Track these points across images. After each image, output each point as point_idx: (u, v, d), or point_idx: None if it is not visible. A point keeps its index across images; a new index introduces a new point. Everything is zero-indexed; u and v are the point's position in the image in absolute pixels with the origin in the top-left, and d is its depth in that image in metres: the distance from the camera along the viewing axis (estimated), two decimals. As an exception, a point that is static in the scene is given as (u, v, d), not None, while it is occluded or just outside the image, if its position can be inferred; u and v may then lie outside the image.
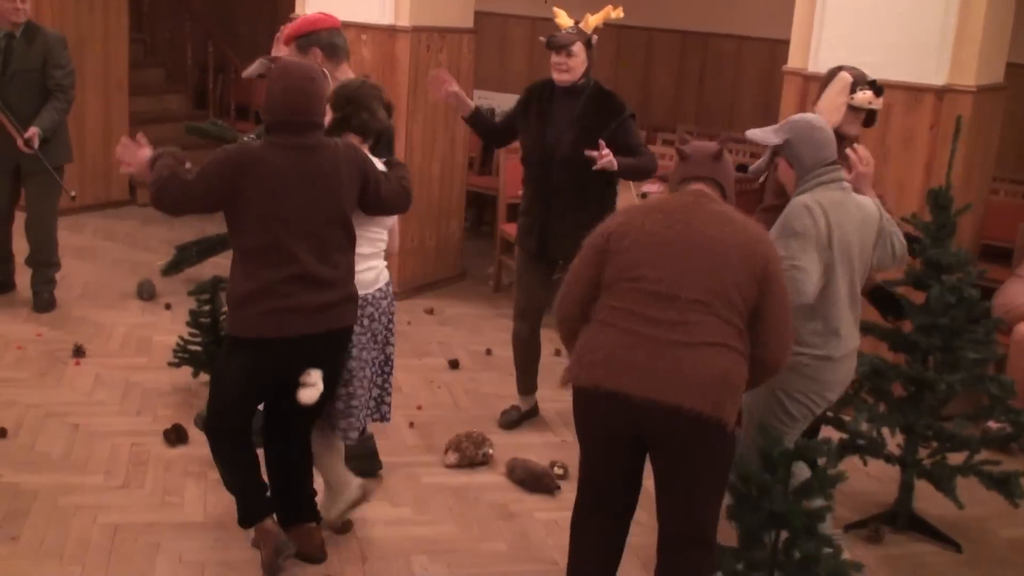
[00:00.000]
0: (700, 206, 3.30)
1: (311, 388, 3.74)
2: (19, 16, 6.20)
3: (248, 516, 3.96)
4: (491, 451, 4.92)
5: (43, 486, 4.39)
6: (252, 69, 3.83)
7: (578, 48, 5.03)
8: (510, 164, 7.40)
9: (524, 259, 5.26)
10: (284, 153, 3.67)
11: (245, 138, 6.93)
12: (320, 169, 3.71)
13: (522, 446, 5.07)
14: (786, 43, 5.87)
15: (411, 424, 5.28)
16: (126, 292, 6.90)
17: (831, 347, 3.72)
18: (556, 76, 5.06)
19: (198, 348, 5.40)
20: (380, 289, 4.11)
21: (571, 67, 5.02)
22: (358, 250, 3.91)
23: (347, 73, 4.65)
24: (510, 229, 7.15)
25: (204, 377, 5.47)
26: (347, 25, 6.79)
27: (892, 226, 3.87)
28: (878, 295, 4.38)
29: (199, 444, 4.85)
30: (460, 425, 5.17)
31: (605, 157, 4.76)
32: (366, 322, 4.04)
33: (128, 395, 5.37)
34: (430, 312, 6.98)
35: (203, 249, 7.10)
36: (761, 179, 4.32)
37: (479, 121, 5.39)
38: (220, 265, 7.17)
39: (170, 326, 6.27)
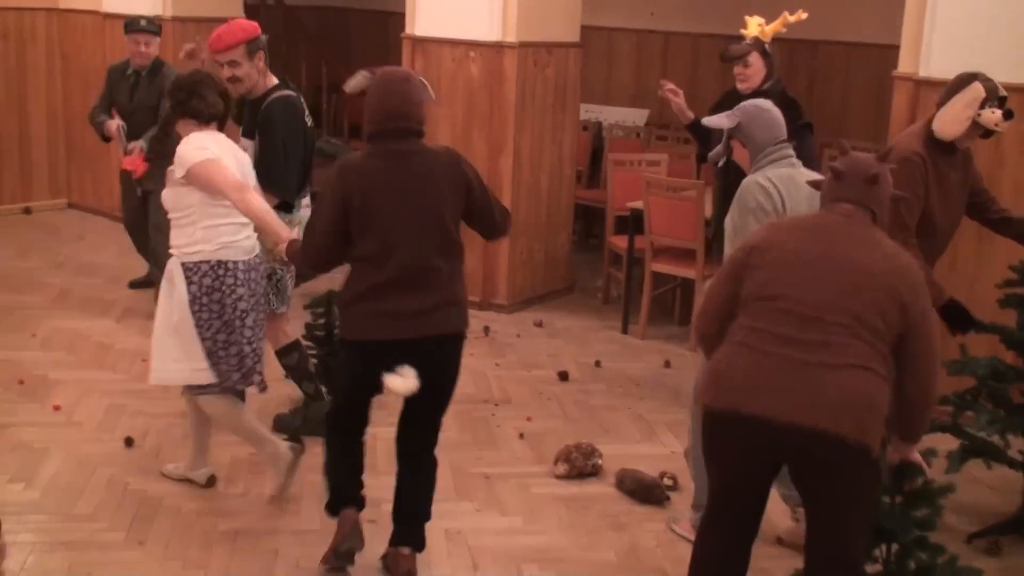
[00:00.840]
0: (847, 228, 3.20)
1: (398, 378, 3.75)
2: (143, 59, 6.68)
3: (333, 505, 4.08)
4: (600, 462, 4.95)
5: (168, 492, 4.56)
6: (354, 83, 3.97)
7: (754, 58, 5.33)
8: (618, 176, 7.43)
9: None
10: (380, 160, 3.76)
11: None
12: (415, 174, 3.76)
13: (631, 457, 5.08)
14: (896, 48, 5.79)
15: (521, 435, 5.34)
16: (245, 306, 7.10)
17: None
18: (738, 85, 5.36)
19: (313, 360, 5.53)
20: (258, 255, 4.48)
21: (748, 76, 5.34)
22: (239, 218, 4.28)
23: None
24: (618, 241, 7.19)
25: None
26: (456, 42, 6.98)
27: None
28: (951, 310, 4.30)
29: (316, 455, 4.97)
30: (569, 436, 5.21)
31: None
32: (252, 285, 4.43)
33: (247, 405, 5.52)
34: (539, 325, 7.03)
35: (318, 264, 7.26)
36: (721, 162, 4.39)
37: (698, 131, 5.55)
38: (334, 280, 7.31)
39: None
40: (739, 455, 3.18)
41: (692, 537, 3.78)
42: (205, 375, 4.39)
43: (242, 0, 9.15)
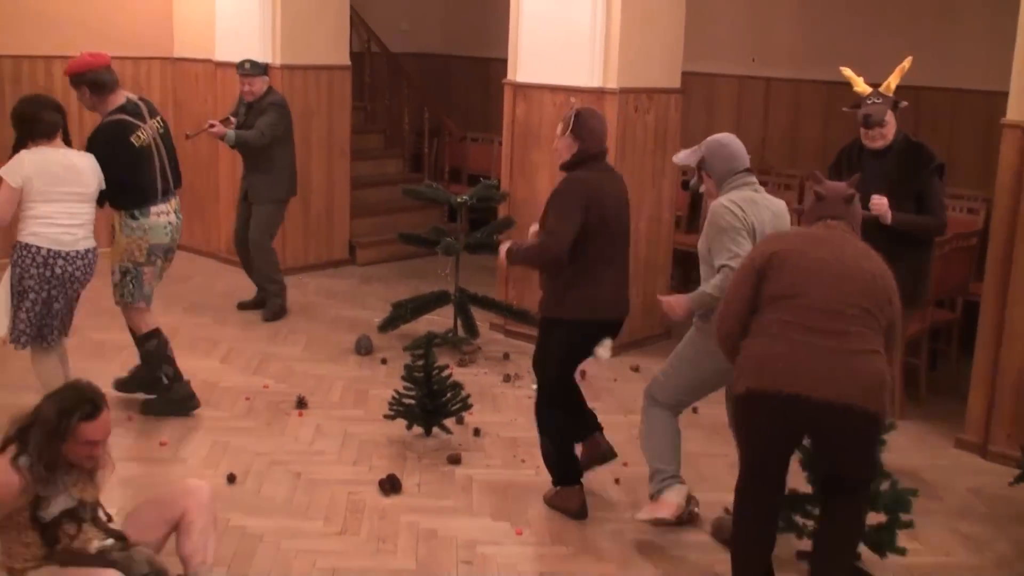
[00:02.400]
0: (845, 239, 3.89)
1: (605, 347, 4.82)
2: (249, 96, 7.72)
3: (561, 478, 4.93)
4: (697, 509, 4.90)
5: (267, 530, 4.64)
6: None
7: (889, 116, 5.42)
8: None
9: None
10: (600, 175, 4.72)
11: (459, 199, 7.22)
12: (620, 186, 4.85)
13: (728, 506, 5.02)
14: (1004, 95, 5.69)
15: (617, 481, 5.31)
16: (345, 347, 7.22)
17: None
18: (874, 144, 5.43)
19: (412, 402, 5.60)
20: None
21: (885, 135, 5.43)
22: (81, 221, 5.33)
23: (120, 98, 5.75)
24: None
25: (417, 430, 5.68)
26: (557, 88, 7.04)
27: None
28: None
29: (412, 495, 5.03)
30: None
31: (878, 206, 5.03)
32: (79, 274, 5.38)
33: (346, 445, 5.61)
34: (636, 370, 7.01)
35: (417, 307, 7.37)
36: (701, 189, 4.74)
37: None
38: (433, 322, 7.44)
39: (385, 380, 6.53)
40: (778, 429, 3.79)
41: (661, 515, 4.60)
42: None
43: (348, 47, 9.35)
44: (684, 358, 4.66)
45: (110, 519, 3.80)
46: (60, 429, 3.52)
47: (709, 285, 4.37)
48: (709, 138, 4.66)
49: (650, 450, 4.77)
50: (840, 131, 9.27)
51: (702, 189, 4.68)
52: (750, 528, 3.99)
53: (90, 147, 5.60)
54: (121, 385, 6.16)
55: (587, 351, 4.84)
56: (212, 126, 7.61)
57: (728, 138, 4.61)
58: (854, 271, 3.77)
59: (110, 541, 3.69)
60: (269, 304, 7.90)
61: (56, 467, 3.55)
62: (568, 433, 4.96)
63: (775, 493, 3.99)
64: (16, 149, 5.29)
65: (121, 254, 5.82)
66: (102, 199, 5.62)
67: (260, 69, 7.74)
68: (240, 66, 7.73)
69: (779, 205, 4.55)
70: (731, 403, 4.17)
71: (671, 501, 4.62)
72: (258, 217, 7.81)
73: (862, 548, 4.28)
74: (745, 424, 3.92)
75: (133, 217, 5.78)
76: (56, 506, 3.59)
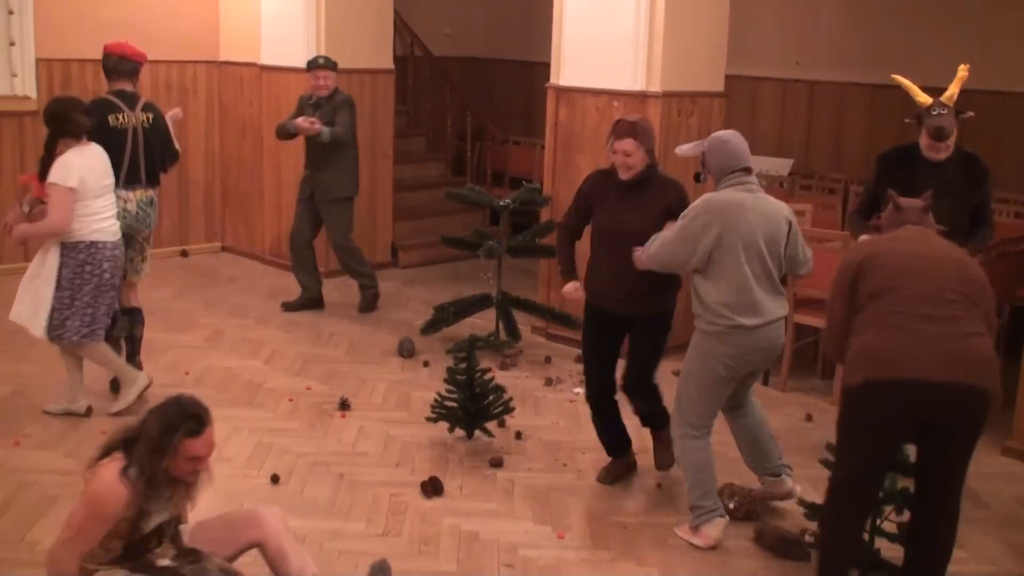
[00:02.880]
0: (931, 235, 4.04)
1: None
2: (323, 91, 7.82)
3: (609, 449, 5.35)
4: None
5: (311, 530, 4.66)
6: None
7: (953, 126, 5.26)
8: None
9: None
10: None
11: (502, 202, 7.23)
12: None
13: (771, 512, 5.00)
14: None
15: (659, 485, 5.30)
16: (388, 349, 7.26)
17: (744, 318, 4.51)
18: (934, 156, 5.28)
19: (454, 404, 5.62)
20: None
21: (949, 146, 5.28)
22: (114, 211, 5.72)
23: (122, 87, 6.21)
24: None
25: (459, 432, 5.69)
26: (600, 92, 7.05)
27: (801, 238, 4.72)
28: None
29: (454, 497, 5.05)
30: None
31: None
32: (120, 261, 5.76)
33: (388, 447, 5.64)
34: (676, 374, 6.96)
35: (459, 310, 7.39)
36: (703, 180, 4.83)
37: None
38: (475, 325, 7.46)
39: (427, 382, 6.55)
40: (895, 418, 3.83)
41: (697, 542, 4.66)
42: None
43: (391, 52, 9.39)
44: (690, 361, 4.76)
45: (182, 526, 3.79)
46: (164, 445, 3.49)
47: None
48: (713, 134, 4.77)
49: (689, 484, 4.77)
50: (885, 135, 9.22)
51: (703, 180, 4.80)
52: (848, 526, 4.04)
53: None
54: None
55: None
56: (313, 123, 7.66)
57: (730, 135, 4.69)
58: (947, 260, 3.90)
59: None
60: (364, 296, 8.19)
61: (159, 482, 3.53)
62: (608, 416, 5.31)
63: (876, 491, 4.09)
64: (48, 147, 5.49)
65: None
66: None
67: (333, 65, 7.88)
68: (314, 61, 7.88)
69: (773, 208, 4.60)
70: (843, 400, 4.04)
71: (709, 534, 4.67)
72: (335, 218, 7.99)
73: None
74: (860, 416, 3.90)
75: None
76: (155, 519, 3.58)
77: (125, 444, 3.57)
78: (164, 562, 3.63)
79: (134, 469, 3.49)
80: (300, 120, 7.73)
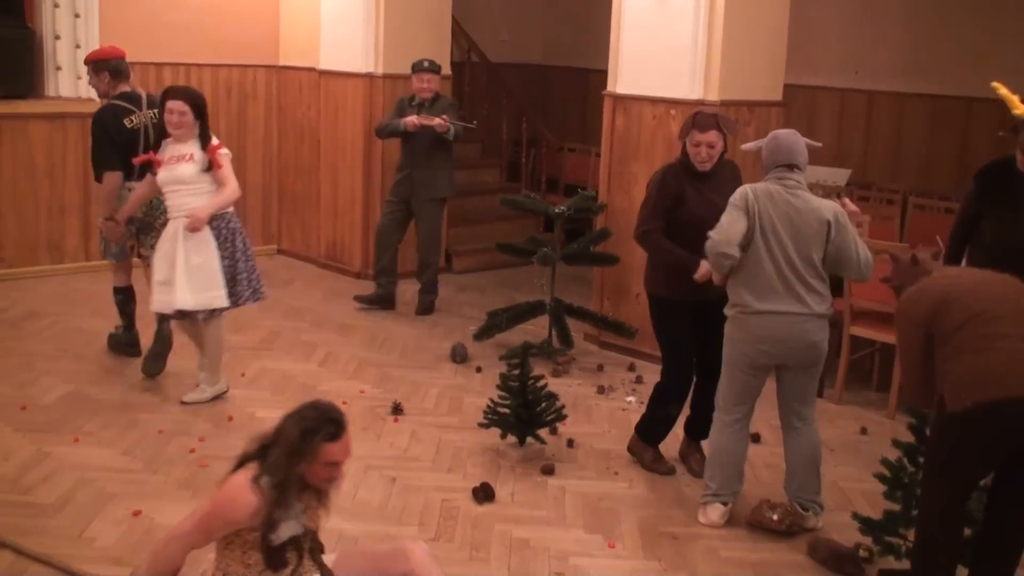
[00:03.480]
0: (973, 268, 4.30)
1: None
2: (425, 94, 8.03)
3: (650, 437, 5.56)
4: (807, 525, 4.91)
5: (363, 533, 4.69)
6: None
7: None
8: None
9: None
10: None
11: (557, 210, 7.24)
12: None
13: (825, 525, 4.96)
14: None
15: (710, 496, 5.28)
16: (440, 354, 7.28)
17: (753, 302, 4.71)
18: None
19: (507, 411, 5.62)
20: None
21: None
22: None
23: (127, 88, 6.68)
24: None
25: (511, 439, 5.70)
26: (657, 100, 7.03)
27: (858, 238, 4.77)
28: None
29: (506, 504, 5.05)
30: (759, 500, 5.12)
31: None
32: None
33: (440, 452, 5.66)
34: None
35: (513, 316, 7.40)
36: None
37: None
38: (528, 332, 7.47)
39: (480, 388, 6.57)
40: (1003, 439, 3.82)
41: (699, 518, 4.97)
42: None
43: (449, 57, 9.43)
44: (726, 354, 4.92)
45: (322, 550, 3.75)
46: (302, 449, 3.46)
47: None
48: (771, 132, 4.99)
49: (707, 463, 5.14)
50: (944, 146, 9.12)
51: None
52: (955, 555, 4.03)
53: (93, 124, 6.60)
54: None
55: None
56: (444, 120, 7.84)
57: (785, 133, 4.88)
58: (1009, 286, 3.98)
59: None
60: (423, 299, 8.33)
61: (292, 488, 3.50)
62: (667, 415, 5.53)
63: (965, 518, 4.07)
64: (203, 131, 6.03)
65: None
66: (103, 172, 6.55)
67: (437, 68, 8.07)
68: (419, 64, 8.01)
69: (809, 205, 4.73)
70: (936, 427, 4.04)
71: (708, 516, 4.97)
72: (431, 216, 8.19)
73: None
74: (966, 440, 3.86)
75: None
76: (286, 530, 3.53)
77: (261, 451, 3.55)
78: None
79: (267, 477, 3.46)
80: (415, 118, 7.85)
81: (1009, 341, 3.80)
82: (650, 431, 5.56)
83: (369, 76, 8.93)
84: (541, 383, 5.67)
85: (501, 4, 12.26)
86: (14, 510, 4.74)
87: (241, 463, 3.61)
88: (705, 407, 5.25)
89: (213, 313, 6.06)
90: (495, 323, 7.39)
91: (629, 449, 5.65)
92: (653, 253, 5.36)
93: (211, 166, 5.95)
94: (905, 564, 4.40)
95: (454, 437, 5.84)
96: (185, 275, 5.86)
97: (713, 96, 6.88)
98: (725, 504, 4.95)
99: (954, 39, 9.08)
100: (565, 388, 6.56)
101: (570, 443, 5.81)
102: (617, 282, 7.46)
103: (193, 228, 5.83)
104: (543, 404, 5.64)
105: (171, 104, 5.95)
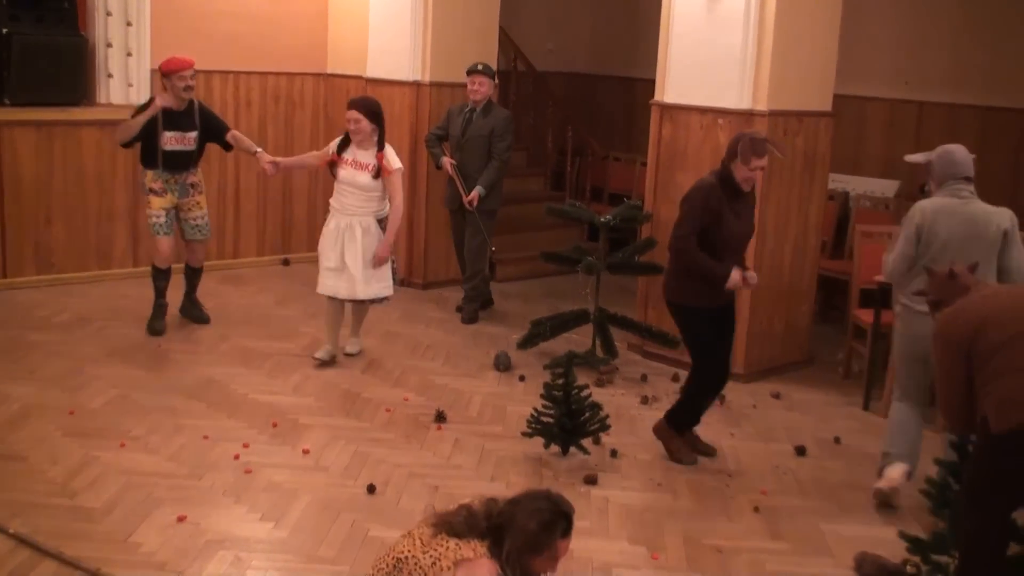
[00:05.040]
0: (1006, 286, 4.50)
1: None
2: (475, 96, 8.13)
3: (681, 425, 5.77)
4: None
5: (405, 542, 4.68)
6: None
7: None
8: (865, 248, 7.24)
9: None
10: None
11: (603, 219, 7.20)
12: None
13: (871, 540, 4.89)
14: None
15: (756, 509, 5.23)
16: (484, 363, 7.28)
17: (914, 303, 5.15)
18: None
19: (550, 420, 5.61)
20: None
21: None
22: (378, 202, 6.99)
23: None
24: (863, 315, 6.99)
25: (554, 448, 5.69)
26: (705, 109, 7.00)
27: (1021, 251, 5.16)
28: None
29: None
30: (805, 513, 5.09)
31: None
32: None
33: (483, 461, 5.65)
34: (776, 396, 6.89)
35: (556, 325, 7.38)
36: (925, 188, 5.61)
37: None
38: (572, 340, 7.45)
39: (523, 397, 6.56)
40: None
41: (879, 484, 5.28)
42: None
43: (495, 66, 9.44)
44: (894, 343, 5.50)
45: None
46: (540, 543, 3.46)
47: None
48: (942, 146, 5.40)
49: (886, 436, 5.49)
50: (995, 158, 9.00)
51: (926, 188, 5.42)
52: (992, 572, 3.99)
53: (209, 112, 7.63)
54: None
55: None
56: (471, 203, 8.08)
57: (956, 148, 5.34)
58: None
59: None
60: (469, 308, 8.42)
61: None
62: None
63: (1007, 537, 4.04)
64: (379, 137, 6.87)
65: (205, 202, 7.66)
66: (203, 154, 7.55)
67: (491, 72, 8.19)
68: (473, 67, 8.13)
69: (983, 212, 5.19)
70: (981, 450, 4.00)
71: (890, 476, 5.26)
72: (483, 226, 8.23)
73: None
74: (1010, 461, 3.82)
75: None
76: None
77: (489, 532, 3.50)
78: None
79: (510, 572, 3.44)
80: (447, 162, 8.18)
81: None
82: (681, 420, 5.79)
83: (416, 84, 8.96)
84: (585, 393, 5.65)
85: (547, 13, 12.25)
86: (61, 514, 4.79)
87: (457, 532, 3.51)
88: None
89: (377, 301, 7.06)
90: (539, 332, 7.38)
91: (655, 431, 5.86)
92: (691, 263, 5.54)
93: (379, 172, 6.80)
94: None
95: (497, 446, 5.83)
96: (363, 270, 6.83)
97: (762, 106, 6.83)
98: (904, 464, 5.27)
99: (1007, 49, 8.96)
100: (608, 398, 6.53)
101: (614, 453, 5.78)
102: (661, 293, 7.40)
103: (377, 265, 6.90)
104: (587, 414, 5.62)
105: (349, 113, 6.83)
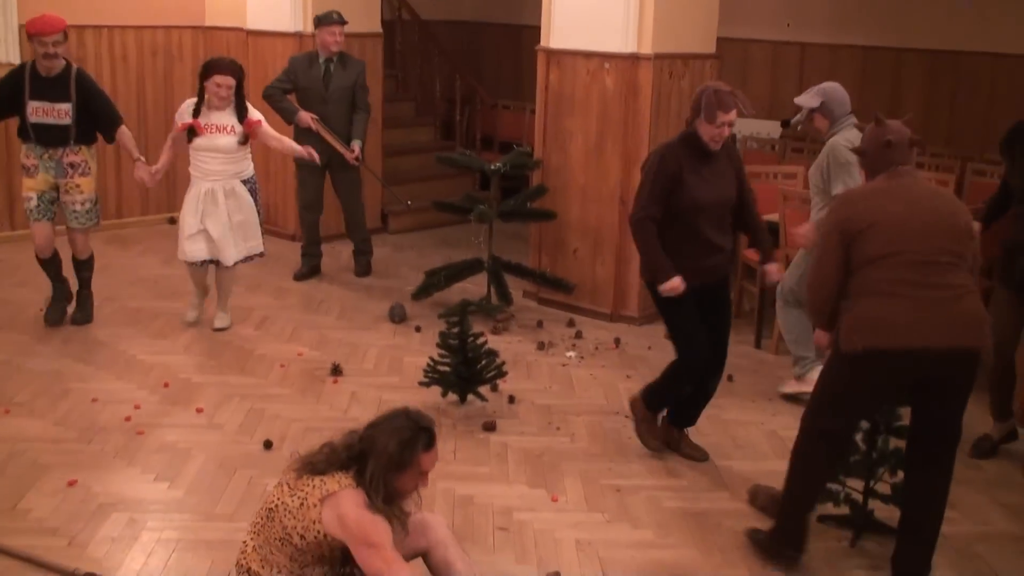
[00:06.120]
0: (917, 184, 4.03)
1: None
2: (336, 47, 7.77)
3: (653, 405, 5.21)
4: None
5: (304, 496, 4.64)
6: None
7: None
8: (755, 188, 7.32)
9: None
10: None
11: (493, 167, 7.18)
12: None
13: (764, 473, 5.00)
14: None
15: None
16: (379, 315, 7.23)
17: None
18: None
19: (447, 369, 5.60)
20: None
21: None
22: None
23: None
24: (752, 254, 7.07)
25: (452, 397, 5.68)
26: (591, 54, 7.00)
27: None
28: None
29: (448, 461, 5.03)
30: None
31: None
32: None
33: (381, 412, 5.60)
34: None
35: (451, 274, 7.36)
36: (799, 127, 5.91)
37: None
38: (467, 290, 7.44)
39: (419, 348, 6.54)
40: (894, 384, 3.98)
41: (802, 390, 5.65)
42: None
43: (379, 15, 9.30)
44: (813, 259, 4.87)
45: None
46: (403, 461, 3.42)
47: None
48: (823, 84, 5.56)
49: (791, 342, 5.90)
50: (874, 97, 9.19)
51: (800, 127, 5.49)
52: (829, 475, 4.27)
53: (92, 87, 6.64)
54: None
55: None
56: (355, 154, 7.72)
57: (838, 85, 5.56)
58: (935, 219, 3.90)
59: None
60: (360, 262, 8.32)
61: (393, 501, 3.46)
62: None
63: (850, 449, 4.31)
64: (241, 94, 6.63)
65: (95, 181, 6.73)
66: (92, 134, 6.66)
67: (345, 21, 7.82)
68: (328, 17, 7.72)
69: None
70: (836, 361, 4.05)
71: (814, 379, 4.74)
72: (356, 179, 8.05)
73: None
74: (859, 379, 3.97)
75: (92, 148, 6.71)
76: None
77: (349, 462, 3.48)
78: None
79: (376, 496, 3.40)
80: (306, 117, 7.63)
81: (910, 288, 3.83)
82: (655, 400, 5.18)
83: (299, 35, 8.77)
84: (481, 340, 5.65)
85: (431, -40, 12.10)
86: (-56, 484, 4.64)
87: (320, 469, 3.49)
88: (697, 399, 5.20)
89: (250, 259, 6.82)
90: (433, 282, 7.34)
91: (630, 403, 5.33)
92: (640, 244, 4.91)
93: (247, 139, 6.59)
94: (843, 510, 4.46)
95: (394, 397, 5.80)
96: (230, 232, 6.59)
97: (647, 49, 6.85)
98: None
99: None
100: (505, 345, 6.54)
101: (511, 399, 5.80)
102: (555, 238, 7.44)
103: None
104: (483, 361, 5.63)
105: (220, 79, 6.44)
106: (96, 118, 6.58)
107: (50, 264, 6.74)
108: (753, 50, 9.93)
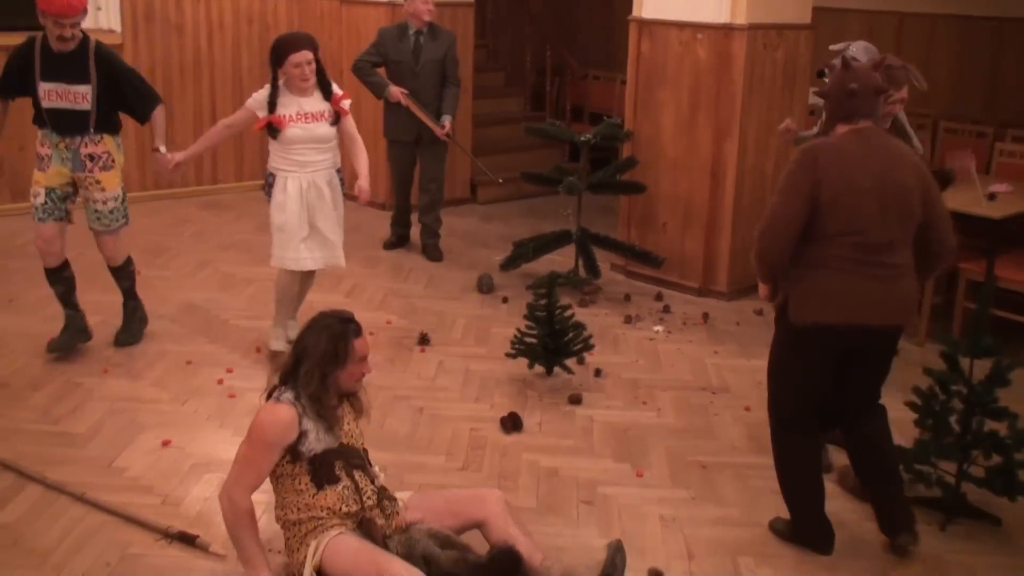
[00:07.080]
0: (880, 147, 3.90)
1: None
2: (427, 16, 7.54)
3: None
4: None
5: (389, 462, 4.68)
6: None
7: None
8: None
9: None
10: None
11: (583, 138, 7.14)
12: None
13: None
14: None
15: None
16: (467, 285, 7.26)
17: None
18: None
19: (534, 340, 5.60)
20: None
21: None
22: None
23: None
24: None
25: (538, 369, 5.69)
26: (684, 24, 6.92)
27: None
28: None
29: (533, 433, 5.06)
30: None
31: None
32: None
33: (468, 382, 5.65)
34: (759, 313, 6.90)
35: (539, 246, 7.35)
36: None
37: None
38: (555, 262, 7.43)
39: (506, 318, 6.56)
40: (835, 355, 4.02)
41: None
42: None
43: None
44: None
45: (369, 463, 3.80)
46: (338, 352, 3.58)
47: None
48: (859, 42, 5.42)
49: None
50: (975, 68, 8.94)
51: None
52: (810, 459, 4.19)
53: (116, 63, 5.55)
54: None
55: None
56: (448, 134, 7.57)
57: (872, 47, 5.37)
58: (892, 194, 3.86)
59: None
60: (429, 245, 8.04)
61: (329, 397, 3.61)
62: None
63: (818, 424, 4.22)
64: (323, 80, 5.68)
65: (119, 176, 5.72)
66: (116, 121, 5.65)
67: None
68: None
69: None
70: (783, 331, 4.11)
71: None
72: (441, 156, 7.92)
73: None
74: (806, 353, 4.03)
75: (117, 138, 5.73)
76: (318, 443, 3.60)
77: (287, 377, 3.63)
78: (370, 501, 3.65)
79: (291, 391, 3.57)
80: (397, 92, 7.46)
81: (860, 267, 3.85)
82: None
83: (391, 4, 8.80)
84: (568, 313, 5.64)
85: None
86: (44, 439, 4.79)
87: (269, 395, 3.65)
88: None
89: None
90: (521, 253, 7.35)
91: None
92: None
93: (338, 118, 5.68)
94: (935, 492, 4.39)
95: (481, 367, 5.84)
96: (340, 229, 5.87)
97: (740, 20, 6.75)
98: None
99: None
100: (592, 318, 6.53)
101: (598, 373, 5.80)
102: (644, 211, 7.39)
103: (366, 199, 5.84)
104: (570, 334, 5.62)
105: (298, 57, 5.45)
106: (125, 100, 5.60)
107: (58, 279, 5.76)
108: (849, 19, 9.71)
